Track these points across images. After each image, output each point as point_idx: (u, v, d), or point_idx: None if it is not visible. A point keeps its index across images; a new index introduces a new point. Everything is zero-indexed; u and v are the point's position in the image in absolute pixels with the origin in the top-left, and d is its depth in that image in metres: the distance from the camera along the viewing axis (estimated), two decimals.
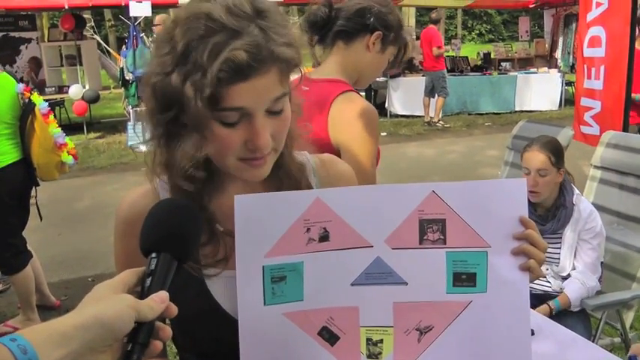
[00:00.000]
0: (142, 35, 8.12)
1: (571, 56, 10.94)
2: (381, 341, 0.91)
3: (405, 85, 10.44)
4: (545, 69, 11.31)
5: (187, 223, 0.78)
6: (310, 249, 0.87)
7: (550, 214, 2.39)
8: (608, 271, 2.58)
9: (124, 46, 9.26)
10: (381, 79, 10.07)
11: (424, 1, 11.80)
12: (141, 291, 0.72)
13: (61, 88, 9.72)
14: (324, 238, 0.87)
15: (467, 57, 12.00)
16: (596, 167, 2.85)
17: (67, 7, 9.04)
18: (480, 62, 12.02)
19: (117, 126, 10.10)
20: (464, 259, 0.90)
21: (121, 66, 8.41)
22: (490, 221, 0.90)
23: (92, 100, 9.41)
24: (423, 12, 18.87)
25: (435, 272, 0.90)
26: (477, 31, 31.71)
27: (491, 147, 7.75)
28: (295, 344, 0.89)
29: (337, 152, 1.58)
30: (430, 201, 0.89)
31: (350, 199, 0.88)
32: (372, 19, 1.67)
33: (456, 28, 26.44)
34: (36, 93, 3.28)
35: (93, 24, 10.84)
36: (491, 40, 26.57)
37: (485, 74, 11.15)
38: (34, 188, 3.31)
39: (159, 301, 0.69)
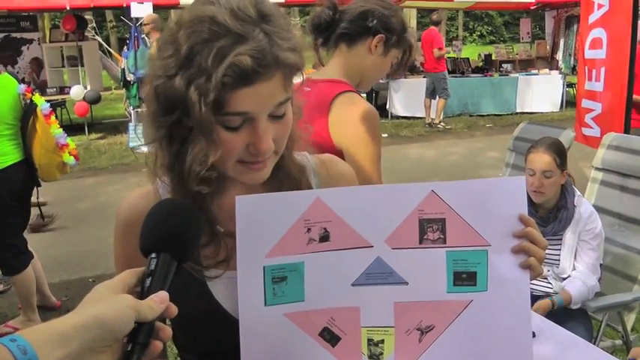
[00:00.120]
0: (143, 36, 8.12)
1: (572, 58, 10.95)
2: (382, 341, 0.91)
3: (406, 86, 10.44)
4: (547, 70, 11.29)
5: (187, 224, 0.78)
6: (311, 249, 0.87)
7: (551, 215, 2.38)
8: (609, 273, 2.58)
9: (125, 47, 9.29)
10: (382, 80, 10.07)
11: (425, 2, 11.79)
12: (141, 291, 0.72)
13: (63, 89, 9.74)
14: (325, 238, 0.87)
15: (468, 58, 12.01)
16: (597, 169, 2.84)
17: (68, 7, 9.07)
18: (481, 64, 12.01)
19: (118, 127, 10.12)
20: (464, 258, 0.90)
21: (123, 67, 8.45)
22: (490, 220, 0.90)
23: (93, 100, 9.43)
24: (424, 13, 18.88)
25: (435, 272, 0.90)
26: (478, 33, 31.72)
27: (493, 148, 7.75)
28: (296, 345, 0.88)
29: (340, 153, 1.57)
30: (430, 200, 0.89)
31: (350, 199, 0.88)
32: (374, 22, 1.67)
33: (457, 29, 26.49)
34: (37, 94, 3.29)
35: (94, 25, 10.89)
36: (492, 42, 26.61)
37: (486, 76, 11.15)
38: (35, 189, 3.31)
39: (159, 301, 0.69)
